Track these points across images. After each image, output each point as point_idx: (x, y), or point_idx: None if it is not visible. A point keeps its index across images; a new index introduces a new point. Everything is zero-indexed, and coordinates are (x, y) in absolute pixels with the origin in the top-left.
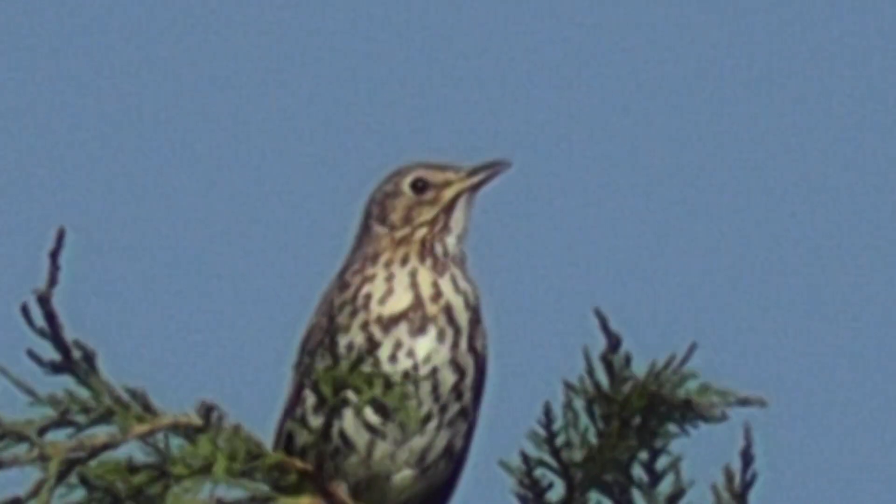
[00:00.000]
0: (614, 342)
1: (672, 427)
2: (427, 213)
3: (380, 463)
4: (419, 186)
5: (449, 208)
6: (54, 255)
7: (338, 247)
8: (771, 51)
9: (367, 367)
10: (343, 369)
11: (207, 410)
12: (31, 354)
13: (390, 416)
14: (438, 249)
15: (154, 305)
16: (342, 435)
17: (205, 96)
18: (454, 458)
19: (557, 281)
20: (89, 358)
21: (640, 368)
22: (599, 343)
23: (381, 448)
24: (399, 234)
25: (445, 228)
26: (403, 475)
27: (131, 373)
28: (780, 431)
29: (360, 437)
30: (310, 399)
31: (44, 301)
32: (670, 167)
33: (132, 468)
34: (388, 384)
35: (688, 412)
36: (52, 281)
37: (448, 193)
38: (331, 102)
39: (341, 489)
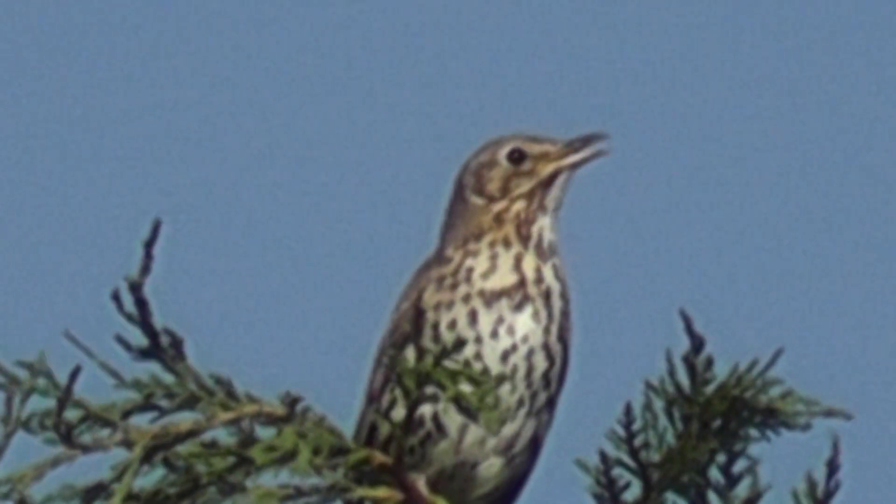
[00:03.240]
0: (698, 344)
1: (753, 431)
2: (525, 185)
3: (469, 450)
4: (515, 157)
5: (547, 184)
6: (149, 245)
7: (421, 235)
8: None
9: (452, 362)
10: (427, 364)
11: (293, 401)
12: (120, 339)
13: (473, 415)
14: (534, 232)
15: (236, 295)
16: (435, 419)
17: (305, 87)
18: (535, 450)
19: (641, 278)
20: (177, 344)
21: (721, 371)
22: (680, 343)
23: (473, 433)
24: (497, 206)
25: (542, 206)
26: (490, 464)
27: (214, 361)
28: (860, 443)
29: (453, 423)
30: (396, 390)
31: (135, 288)
32: (770, 167)
33: (219, 452)
34: (474, 381)
35: (770, 418)
36: (145, 269)
37: (548, 168)
38: (406, 87)
39: (420, 482)
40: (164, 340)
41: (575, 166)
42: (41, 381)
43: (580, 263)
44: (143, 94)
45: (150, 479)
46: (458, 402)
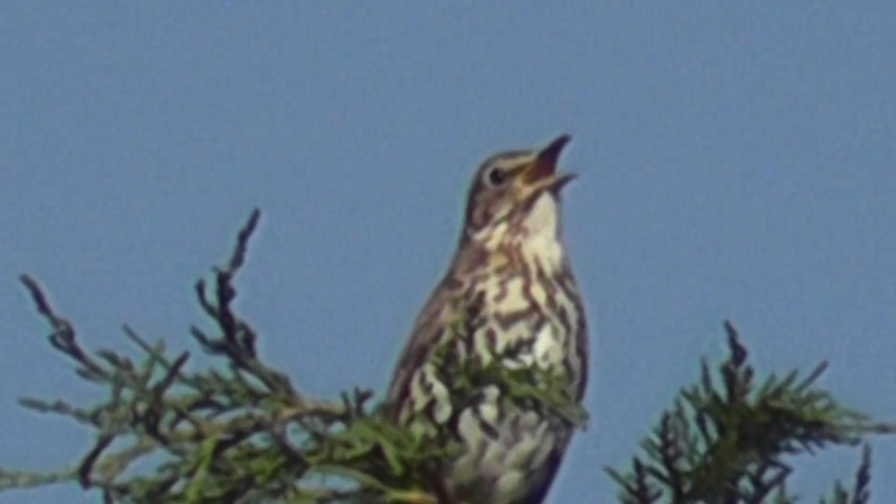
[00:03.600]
0: (740, 355)
1: (795, 443)
2: (503, 208)
3: (489, 464)
4: (498, 177)
5: (527, 207)
6: (244, 237)
7: (445, 243)
8: None
9: (510, 362)
10: (487, 363)
11: (361, 397)
12: (195, 332)
13: (545, 414)
14: (529, 259)
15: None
16: (454, 435)
17: (332, 96)
18: (553, 464)
19: (662, 286)
20: (249, 340)
21: (758, 381)
22: (707, 349)
23: (493, 449)
24: (481, 234)
25: (521, 229)
26: (510, 478)
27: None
28: (890, 453)
29: (472, 437)
30: (420, 399)
31: (224, 279)
32: (804, 174)
33: (254, 454)
34: (530, 378)
35: (815, 431)
36: (238, 261)
37: (525, 192)
38: (433, 95)
39: (450, 486)
40: (239, 336)
41: (551, 189)
42: (127, 375)
43: (609, 273)
44: (224, 87)
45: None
46: (524, 400)
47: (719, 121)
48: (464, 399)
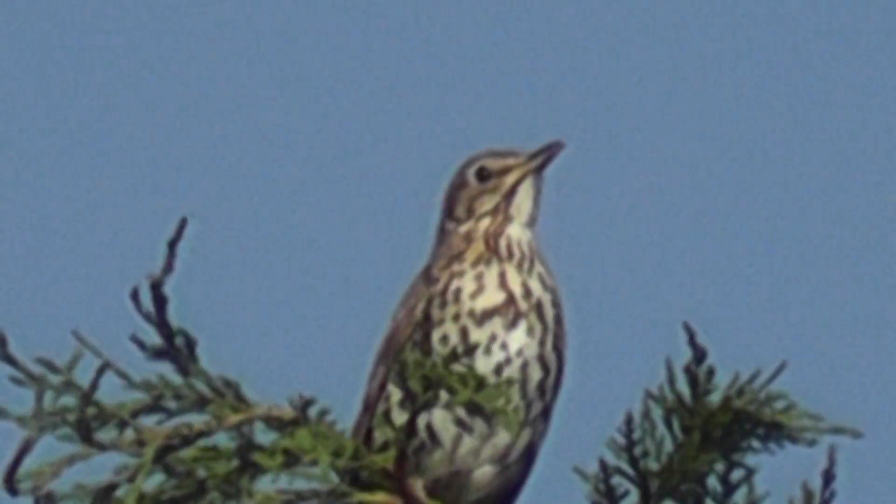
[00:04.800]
0: (700, 355)
1: (756, 444)
2: (489, 203)
3: (463, 458)
4: (484, 175)
5: (510, 194)
6: (173, 244)
7: (422, 241)
8: None
9: (459, 366)
10: (436, 366)
11: (305, 404)
12: (135, 339)
13: (488, 418)
14: (503, 244)
15: (241, 297)
16: (429, 429)
17: (307, 93)
18: (530, 459)
19: (634, 286)
20: (191, 345)
21: (721, 382)
22: (676, 351)
23: (467, 443)
24: (464, 227)
25: (507, 217)
26: (484, 471)
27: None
28: (857, 453)
29: (447, 432)
30: (395, 395)
31: (156, 287)
32: (771, 175)
33: (215, 450)
34: (481, 384)
35: (775, 432)
36: (168, 268)
37: (509, 180)
38: (413, 93)
39: (418, 487)
40: (179, 341)
41: (536, 171)
42: (57, 379)
43: (578, 271)
44: (153, 93)
45: (151, 482)
46: (471, 406)
47: (687, 126)
48: (415, 403)
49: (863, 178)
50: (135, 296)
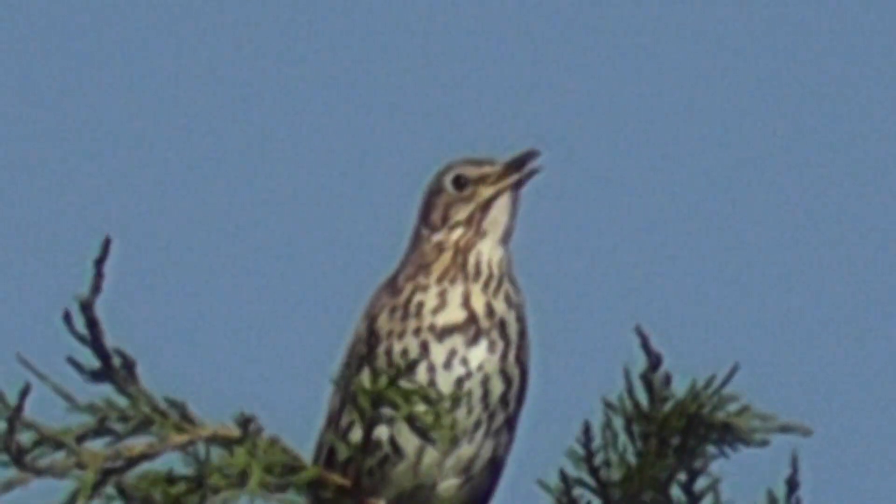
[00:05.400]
0: (655, 361)
1: (711, 448)
2: (463, 212)
3: (427, 471)
4: (460, 183)
5: (485, 207)
6: (99, 263)
7: (386, 252)
8: None
9: (409, 383)
10: (382, 384)
11: (245, 421)
12: (72, 361)
13: (427, 434)
14: (471, 261)
15: (191, 313)
16: (392, 442)
17: (250, 101)
18: (495, 470)
19: (597, 295)
20: (129, 366)
21: (680, 387)
22: (639, 360)
23: (431, 455)
24: (437, 236)
25: (479, 231)
26: (448, 484)
27: (170, 384)
28: (824, 458)
29: (409, 444)
30: (352, 412)
31: (86, 308)
32: (718, 179)
33: (171, 479)
34: (428, 401)
35: (727, 434)
36: (96, 288)
37: (486, 192)
38: (389, 96)
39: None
40: (117, 362)
41: (513, 187)
42: None
43: (537, 284)
44: (90, 108)
45: None
46: (413, 422)
47: (647, 135)
48: (364, 419)
49: (815, 182)
50: (67, 318)
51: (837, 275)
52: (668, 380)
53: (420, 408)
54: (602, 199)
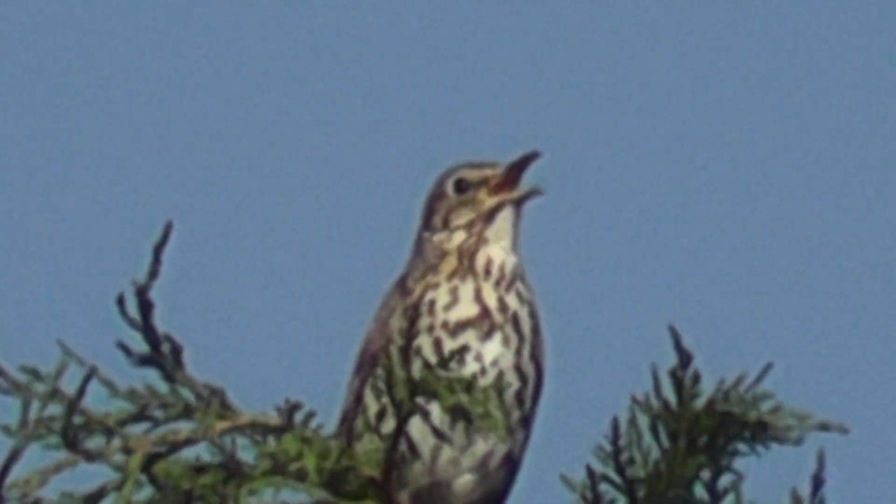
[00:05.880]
0: (686, 359)
1: (742, 446)
2: (464, 216)
3: (443, 469)
4: (461, 187)
5: (488, 218)
6: (158, 249)
7: (392, 255)
8: None
9: (442, 373)
10: (421, 374)
11: (292, 408)
12: (121, 346)
13: (473, 422)
14: (480, 263)
15: (229, 304)
16: (408, 441)
17: (255, 107)
18: (511, 467)
19: (624, 293)
20: (177, 352)
21: (708, 386)
22: (665, 358)
23: (446, 454)
24: (438, 238)
25: (482, 239)
26: (465, 480)
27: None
28: (851, 457)
29: (425, 443)
30: (372, 406)
31: (142, 292)
32: (753, 178)
33: (200, 468)
34: (470, 389)
35: (761, 433)
36: (153, 274)
37: (489, 202)
38: (397, 99)
39: (404, 497)
40: (165, 348)
41: (515, 203)
42: (39, 386)
43: (559, 283)
44: (140, 99)
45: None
46: (459, 410)
47: (666, 135)
48: (402, 410)
49: (839, 181)
50: (120, 302)
51: (863, 273)
52: (697, 378)
53: (464, 397)
54: (631, 194)
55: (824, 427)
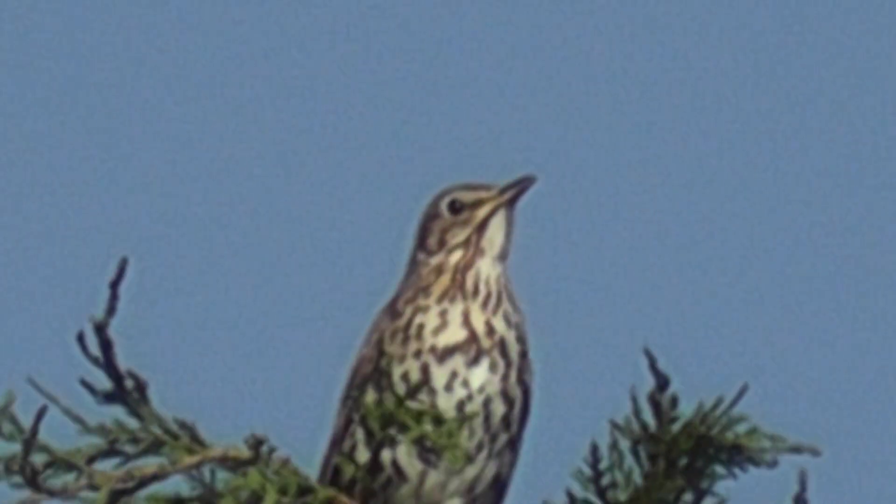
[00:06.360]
0: (662, 382)
1: (719, 469)
2: (460, 235)
3: (430, 493)
4: (456, 207)
5: (481, 227)
6: (114, 285)
7: (389, 274)
8: None
9: (416, 403)
10: (391, 404)
11: (257, 443)
12: (84, 383)
13: (438, 453)
14: (470, 280)
15: (198, 336)
16: (395, 465)
17: (260, 124)
18: (499, 489)
19: (603, 317)
20: (141, 388)
21: (686, 409)
22: (645, 381)
23: (433, 478)
24: (435, 259)
25: (479, 250)
26: None
27: (179, 405)
28: (830, 478)
29: (412, 467)
30: (359, 432)
31: (100, 329)
32: (720, 198)
33: (179, 501)
34: (438, 421)
35: (737, 455)
36: (111, 310)
37: (481, 213)
38: (389, 121)
39: None
40: (129, 384)
41: (508, 204)
42: (6, 426)
43: (541, 304)
44: (101, 126)
45: None
46: (422, 442)
47: (644, 159)
48: (372, 440)
49: (818, 202)
50: (81, 339)
51: (842, 295)
52: (675, 401)
53: (428, 428)
54: (607, 219)
55: (796, 449)
